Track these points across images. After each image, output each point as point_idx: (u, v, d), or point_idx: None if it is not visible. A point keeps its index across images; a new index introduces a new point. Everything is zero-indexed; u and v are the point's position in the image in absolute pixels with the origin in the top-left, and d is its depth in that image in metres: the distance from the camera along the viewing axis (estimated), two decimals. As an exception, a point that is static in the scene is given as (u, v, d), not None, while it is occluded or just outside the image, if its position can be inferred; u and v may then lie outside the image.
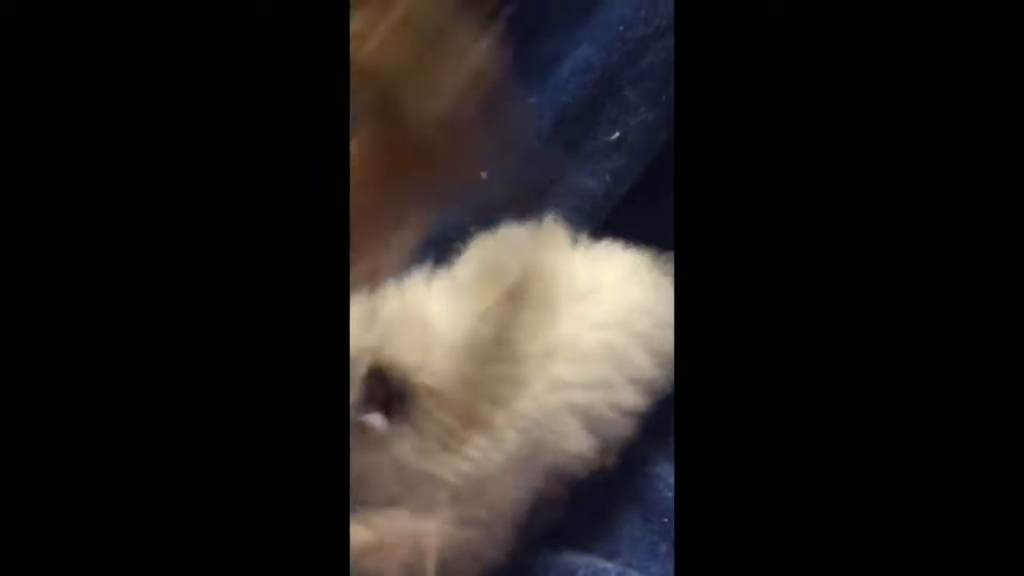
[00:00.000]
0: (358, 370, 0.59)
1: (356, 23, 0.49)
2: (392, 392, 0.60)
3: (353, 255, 0.47)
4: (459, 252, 0.71)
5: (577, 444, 0.64)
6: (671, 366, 0.68)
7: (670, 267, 0.72)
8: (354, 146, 0.50)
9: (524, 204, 0.74)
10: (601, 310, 0.67)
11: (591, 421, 0.65)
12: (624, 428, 0.68)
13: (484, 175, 0.82)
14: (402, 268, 0.63)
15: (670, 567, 0.65)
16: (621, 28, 0.76)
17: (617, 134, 0.77)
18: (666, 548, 0.67)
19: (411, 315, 0.63)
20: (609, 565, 0.65)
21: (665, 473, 0.72)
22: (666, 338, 0.68)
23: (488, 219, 0.74)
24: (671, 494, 0.70)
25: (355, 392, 0.59)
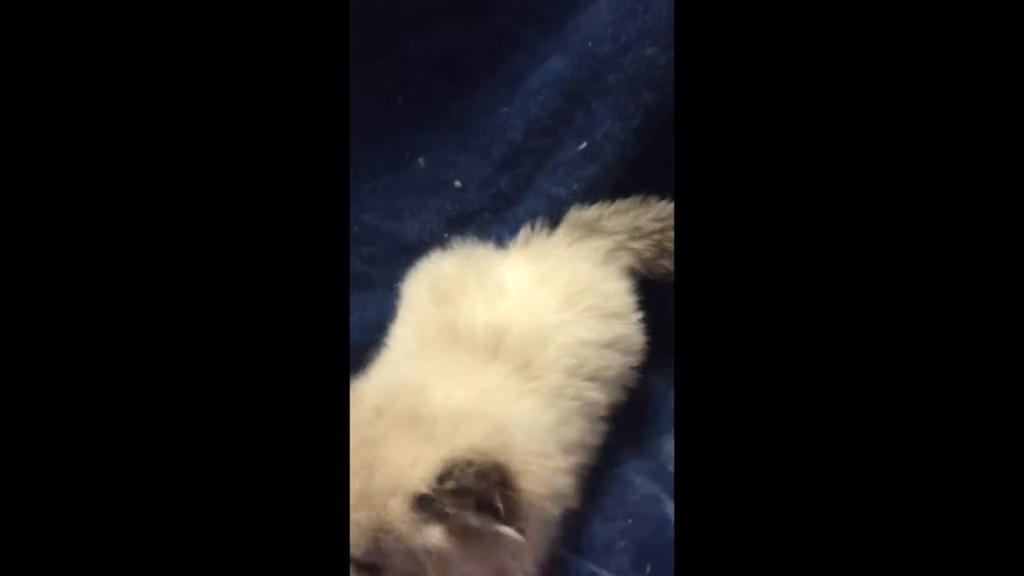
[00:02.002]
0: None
1: None
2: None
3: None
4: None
5: None
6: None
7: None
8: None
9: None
10: None
11: None
12: None
13: (458, 184, 0.84)
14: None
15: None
16: (589, 44, 0.78)
17: (584, 144, 0.79)
18: (624, 543, 0.67)
19: None
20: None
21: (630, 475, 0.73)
22: None
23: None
24: (636, 498, 0.71)
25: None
